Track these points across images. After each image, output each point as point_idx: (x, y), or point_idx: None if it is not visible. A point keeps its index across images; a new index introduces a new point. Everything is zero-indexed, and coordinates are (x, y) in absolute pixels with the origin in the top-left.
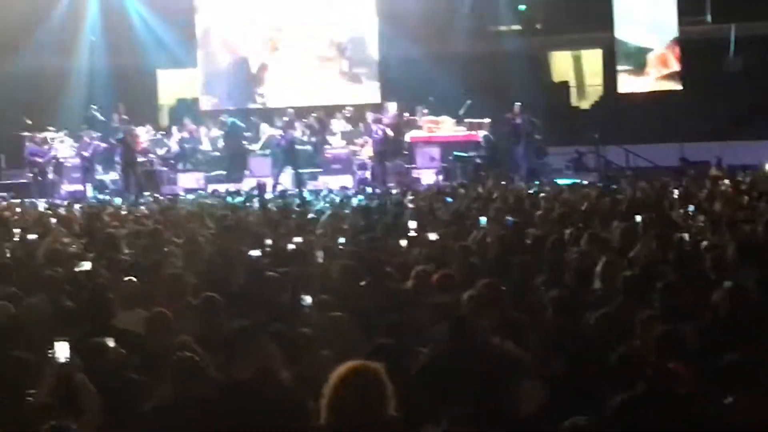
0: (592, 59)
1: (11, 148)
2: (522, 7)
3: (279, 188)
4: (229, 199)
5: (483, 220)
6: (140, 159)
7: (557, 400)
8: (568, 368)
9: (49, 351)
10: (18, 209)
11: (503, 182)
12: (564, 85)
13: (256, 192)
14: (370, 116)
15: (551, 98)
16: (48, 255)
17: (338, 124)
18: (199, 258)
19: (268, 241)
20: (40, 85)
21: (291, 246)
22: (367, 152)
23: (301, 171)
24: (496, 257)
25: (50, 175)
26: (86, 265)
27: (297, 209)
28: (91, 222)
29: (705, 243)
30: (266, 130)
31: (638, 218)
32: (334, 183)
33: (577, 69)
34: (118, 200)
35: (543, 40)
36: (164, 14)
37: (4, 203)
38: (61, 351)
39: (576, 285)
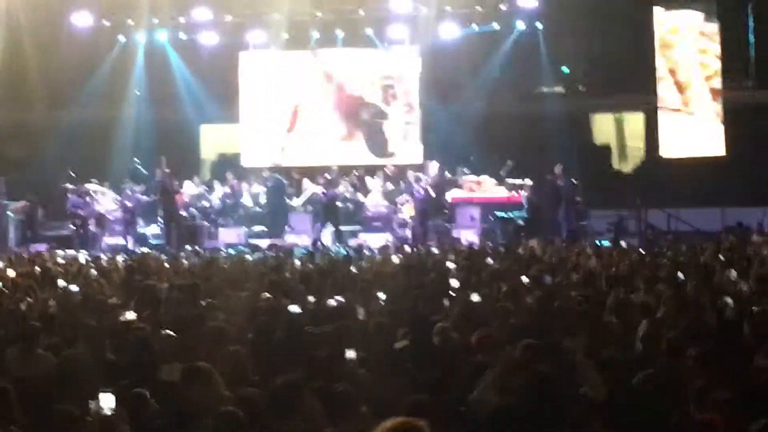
0: (634, 122)
1: (55, 199)
2: (565, 68)
3: (320, 245)
4: (269, 254)
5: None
6: (182, 213)
7: None
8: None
9: (92, 402)
10: (60, 260)
11: (543, 243)
12: (605, 148)
13: (298, 248)
14: (411, 175)
15: (592, 161)
16: (89, 306)
17: (379, 183)
18: (240, 312)
19: (310, 298)
20: (84, 137)
21: (332, 302)
22: (408, 211)
23: (341, 228)
24: (536, 317)
25: (92, 228)
26: (128, 317)
27: (337, 266)
28: (133, 274)
29: (748, 308)
30: (308, 187)
31: (680, 281)
32: (375, 241)
33: (619, 132)
34: (159, 253)
35: (585, 102)
36: (209, 70)
37: (46, 254)
38: (106, 402)
39: (618, 347)
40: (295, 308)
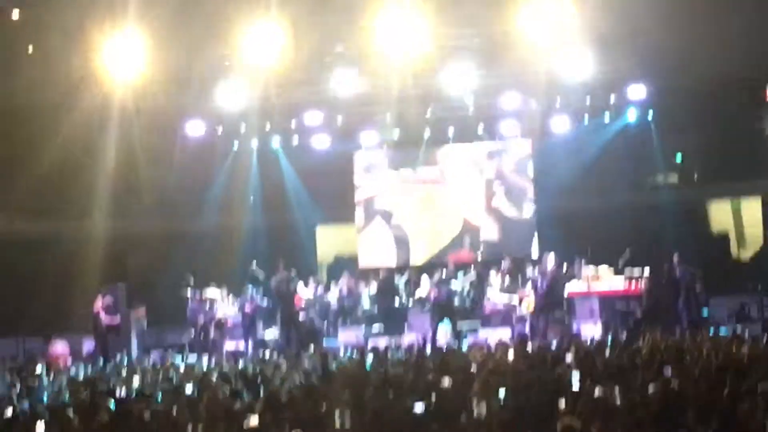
0: (752, 208)
1: (175, 306)
2: (678, 157)
3: (438, 343)
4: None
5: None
6: (300, 315)
7: None
8: None
9: None
10: (182, 368)
11: (664, 335)
12: (723, 236)
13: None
14: (530, 268)
15: (710, 249)
16: (214, 412)
17: (497, 278)
18: (364, 413)
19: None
20: (202, 244)
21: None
22: (527, 305)
23: (459, 324)
24: (660, 412)
25: (211, 334)
26: (252, 422)
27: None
28: (254, 379)
29: None
30: (426, 285)
31: None
32: (494, 336)
33: (737, 218)
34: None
35: (700, 191)
36: (322, 172)
37: (169, 362)
38: None
39: None
40: (419, 407)
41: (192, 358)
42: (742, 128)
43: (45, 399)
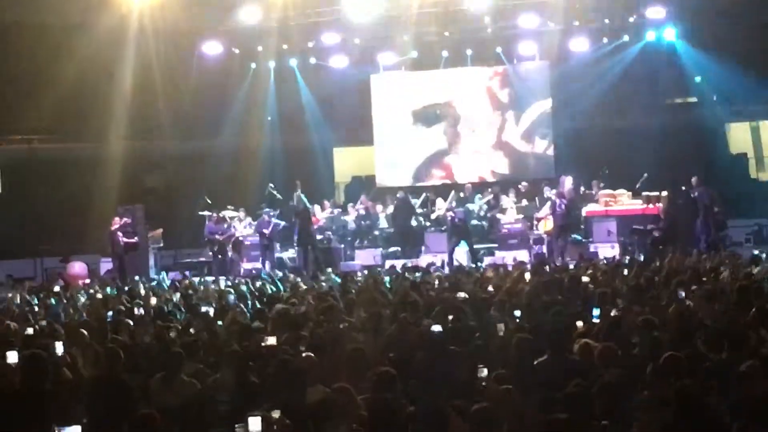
0: None
1: (193, 227)
2: (698, 78)
3: (454, 264)
4: (407, 275)
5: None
6: (318, 236)
7: None
8: None
9: (238, 426)
10: (199, 288)
11: (681, 256)
12: (742, 157)
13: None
14: (547, 190)
15: (729, 170)
16: (232, 331)
17: (514, 200)
18: (380, 334)
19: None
20: (219, 164)
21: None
22: (543, 227)
23: (476, 246)
24: (677, 332)
25: (229, 254)
26: (270, 341)
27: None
28: (272, 300)
29: None
30: (442, 206)
31: None
32: (511, 258)
33: (756, 140)
34: (296, 277)
35: (719, 112)
36: (340, 93)
37: (186, 282)
38: (253, 426)
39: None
40: (436, 328)
41: (209, 278)
42: (761, 49)
43: (63, 318)
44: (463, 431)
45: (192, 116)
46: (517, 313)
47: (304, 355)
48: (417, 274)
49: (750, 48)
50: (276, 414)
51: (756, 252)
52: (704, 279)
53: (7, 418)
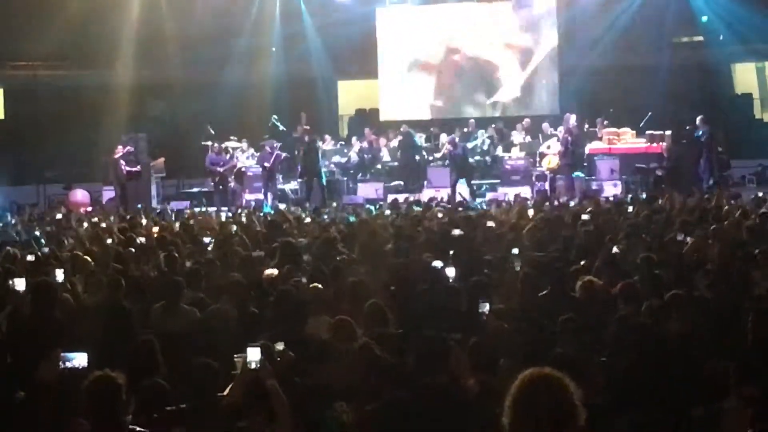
0: None
1: (195, 157)
2: (705, 17)
3: (459, 199)
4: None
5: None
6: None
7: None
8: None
9: (237, 356)
10: (200, 218)
11: (685, 195)
12: (747, 97)
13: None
14: (546, 127)
15: (734, 110)
16: (232, 262)
17: (518, 136)
18: (381, 267)
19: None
20: (223, 95)
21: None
22: (546, 164)
23: (478, 181)
24: (678, 271)
25: (231, 184)
26: (271, 271)
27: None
28: (273, 230)
29: None
30: (446, 141)
31: None
32: (512, 194)
33: (761, 80)
34: (299, 209)
35: (726, 52)
36: (345, 26)
37: (187, 211)
38: (252, 356)
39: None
40: (438, 263)
41: (211, 208)
42: None
43: (66, 246)
44: (463, 364)
45: (198, 45)
46: (515, 251)
47: (306, 285)
48: (418, 208)
49: None
50: (280, 346)
51: (760, 194)
52: (708, 219)
53: (19, 343)
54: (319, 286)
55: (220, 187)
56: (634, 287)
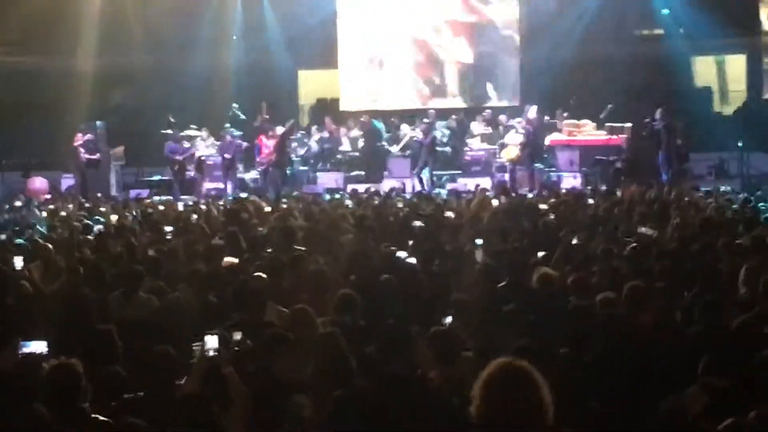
0: (736, 64)
1: (157, 145)
2: (665, 11)
3: (421, 189)
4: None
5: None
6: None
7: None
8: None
9: (196, 344)
10: (160, 206)
11: (644, 187)
12: (707, 91)
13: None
14: (504, 118)
15: (693, 103)
16: (192, 251)
17: (478, 127)
18: (342, 257)
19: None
20: (183, 83)
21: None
22: (506, 155)
23: (437, 173)
24: (635, 262)
25: (192, 173)
26: (229, 260)
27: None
28: (233, 219)
29: None
30: (407, 131)
31: None
32: (473, 185)
33: (720, 74)
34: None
35: (686, 45)
36: (306, 15)
37: (147, 201)
38: (210, 344)
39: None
40: (402, 254)
41: (171, 196)
42: None
43: (23, 233)
44: (424, 355)
45: (161, 33)
46: (479, 241)
47: (262, 275)
48: (379, 199)
49: None
50: (237, 335)
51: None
52: (666, 211)
53: None
54: (263, 275)
55: (179, 176)
56: (584, 280)
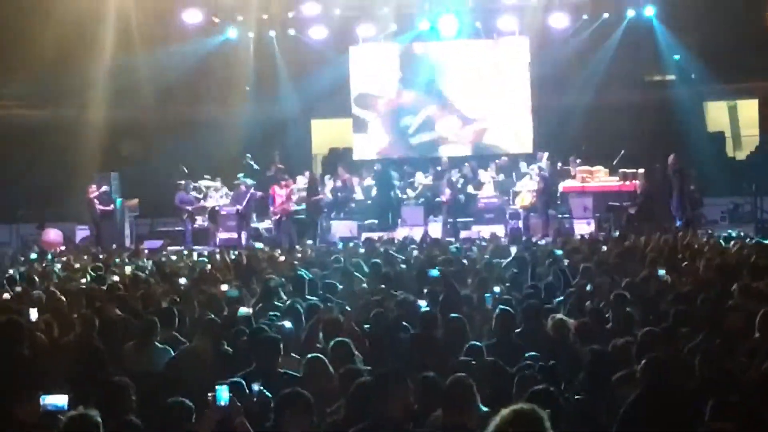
0: (749, 109)
1: (170, 196)
2: (677, 57)
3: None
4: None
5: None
6: (293, 207)
7: None
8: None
9: (209, 394)
10: (173, 257)
11: (657, 233)
12: (719, 136)
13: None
14: (524, 166)
15: (706, 148)
16: (205, 300)
17: (491, 174)
18: (355, 305)
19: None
20: (196, 133)
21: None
22: (520, 202)
23: (452, 220)
24: (651, 308)
25: (204, 223)
26: (244, 310)
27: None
28: (247, 269)
29: None
30: (420, 180)
31: None
32: (487, 232)
33: (733, 119)
34: (271, 248)
35: (698, 90)
36: (318, 64)
37: (161, 250)
38: (222, 394)
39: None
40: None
41: (185, 247)
42: (741, 29)
43: (39, 284)
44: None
45: (171, 85)
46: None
47: (278, 324)
48: (393, 247)
49: (729, 27)
50: (256, 387)
51: (732, 232)
52: (679, 256)
53: None
54: (286, 324)
55: (190, 226)
56: (587, 326)
